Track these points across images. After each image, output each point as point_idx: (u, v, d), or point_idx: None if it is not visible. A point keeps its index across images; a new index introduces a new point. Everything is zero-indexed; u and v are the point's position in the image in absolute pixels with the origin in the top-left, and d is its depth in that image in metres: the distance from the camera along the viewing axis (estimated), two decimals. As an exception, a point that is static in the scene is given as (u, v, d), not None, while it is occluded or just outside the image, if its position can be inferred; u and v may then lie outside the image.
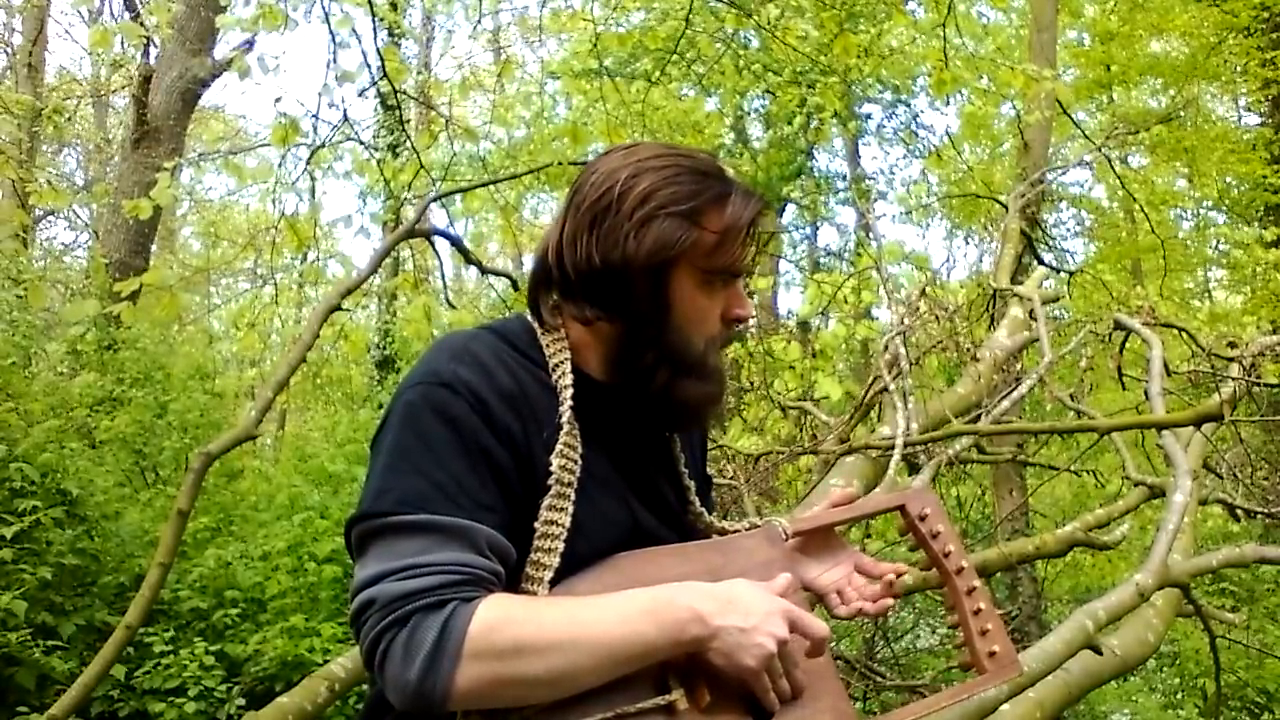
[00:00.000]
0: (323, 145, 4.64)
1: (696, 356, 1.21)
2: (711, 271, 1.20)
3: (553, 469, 1.13)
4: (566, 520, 1.13)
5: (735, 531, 1.31)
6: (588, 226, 1.19)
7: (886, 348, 4.30)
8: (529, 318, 1.25)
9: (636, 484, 1.24)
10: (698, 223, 1.17)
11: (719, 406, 1.31)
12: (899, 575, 1.30)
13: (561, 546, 1.12)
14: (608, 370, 1.22)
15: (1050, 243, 8.43)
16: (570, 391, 1.17)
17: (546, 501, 1.13)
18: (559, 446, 1.14)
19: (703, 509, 1.33)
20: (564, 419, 1.16)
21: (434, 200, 4.47)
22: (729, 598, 1.09)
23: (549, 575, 1.11)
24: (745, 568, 1.18)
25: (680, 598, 1.08)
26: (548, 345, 1.21)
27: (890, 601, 1.31)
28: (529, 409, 1.15)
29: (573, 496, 1.15)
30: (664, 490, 1.30)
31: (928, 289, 4.98)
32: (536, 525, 1.12)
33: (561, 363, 1.19)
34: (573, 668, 1.03)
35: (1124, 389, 4.94)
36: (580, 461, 1.17)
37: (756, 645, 1.07)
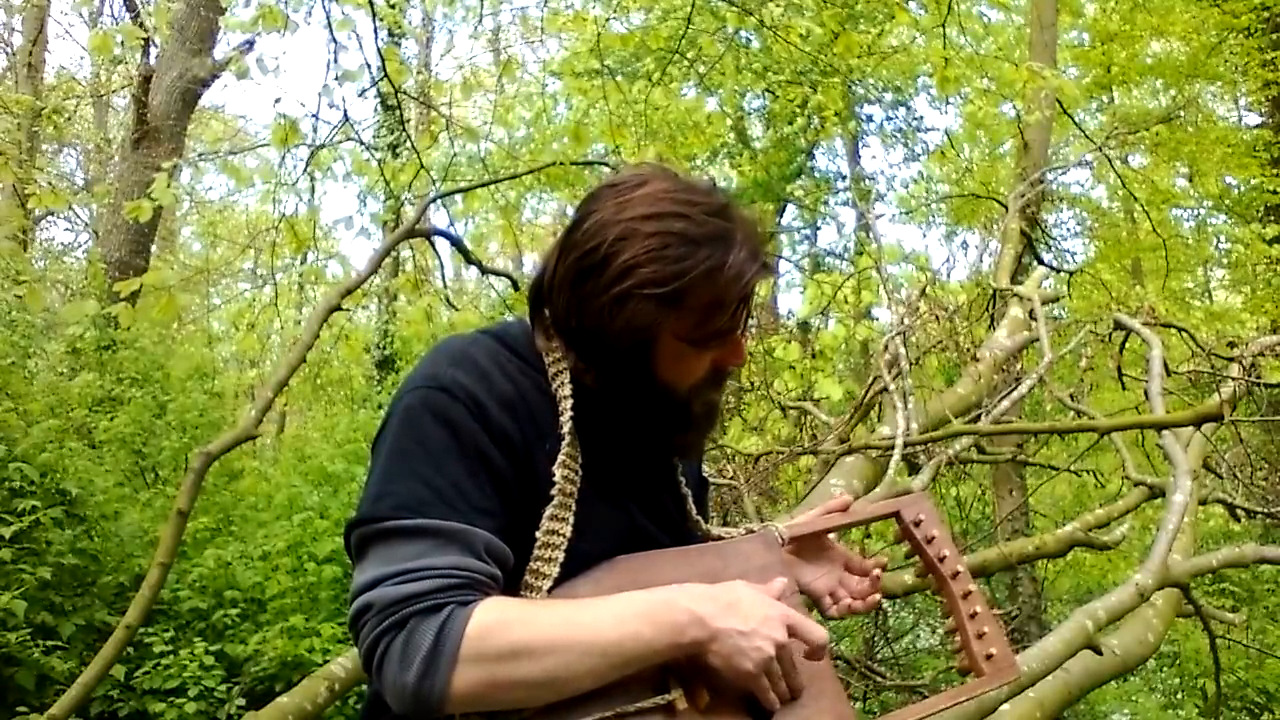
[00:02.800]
0: (323, 146, 4.65)
1: (679, 406, 1.20)
2: (696, 341, 1.16)
3: (555, 480, 1.13)
4: (568, 530, 1.14)
5: (733, 537, 1.32)
6: (570, 283, 1.15)
7: (886, 348, 4.30)
8: (529, 322, 1.25)
9: (635, 490, 1.24)
10: (678, 304, 1.11)
11: (701, 446, 1.30)
12: (882, 568, 1.33)
13: (562, 556, 1.13)
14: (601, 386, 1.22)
15: (1050, 243, 8.42)
16: (570, 402, 1.17)
17: (548, 512, 1.13)
18: (561, 458, 1.14)
19: (699, 515, 1.33)
20: (565, 430, 1.16)
21: (434, 200, 4.47)
22: (729, 601, 1.09)
23: (548, 584, 1.12)
24: (743, 572, 1.18)
25: (679, 600, 1.08)
26: (547, 354, 1.21)
27: (878, 597, 1.32)
28: (527, 414, 1.15)
29: (574, 507, 1.15)
30: (662, 496, 1.30)
31: (928, 289, 4.98)
32: (538, 535, 1.12)
33: (561, 372, 1.19)
34: (570, 670, 1.03)
35: (1124, 389, 4.94)
36: (580, 471, 1.17)
37: (755, 649, 1.07)
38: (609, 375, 1.18)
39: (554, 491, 1.13)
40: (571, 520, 1.14)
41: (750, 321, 1.22)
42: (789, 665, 1.11)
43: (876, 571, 1.33)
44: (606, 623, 1.05)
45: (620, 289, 1.11)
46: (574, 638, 1.04)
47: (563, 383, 1.18)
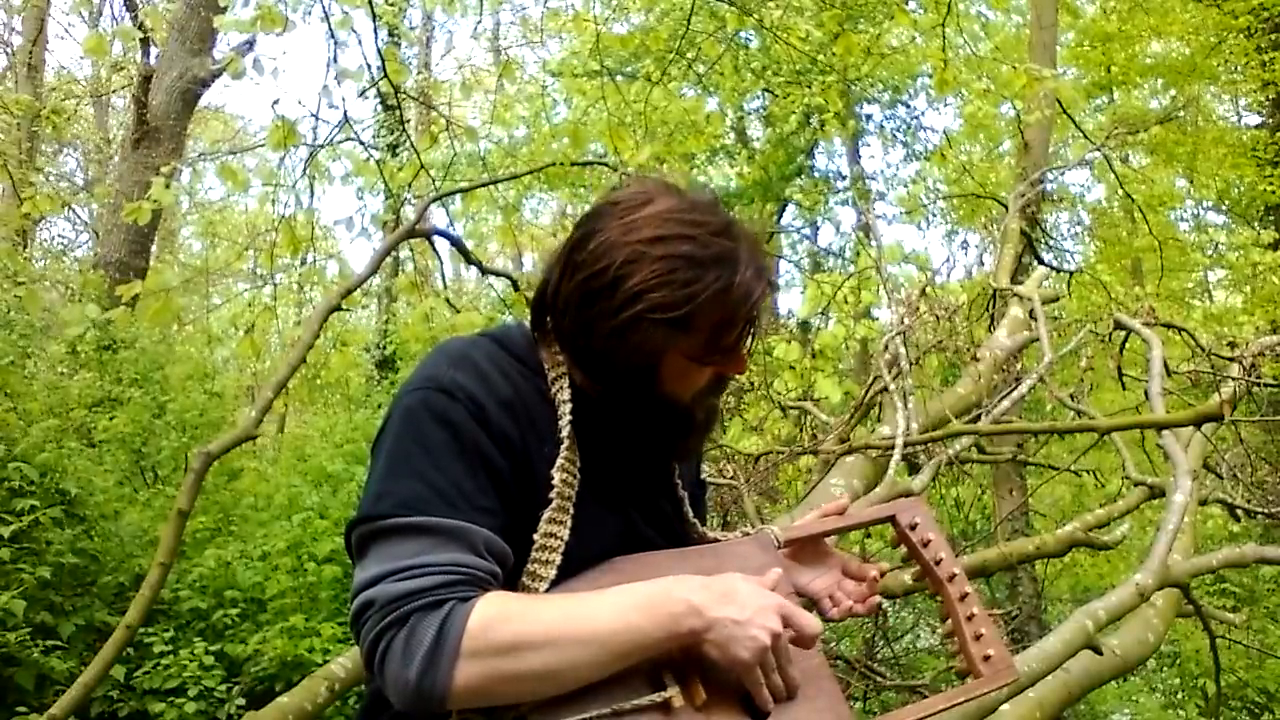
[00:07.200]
0: (323, 146, 4.64)
1: (681, 414, 1.22)
2: (703, 359, 1.18)
3: (554, 483, 1.14)
4: (565, 533, 1.15)
5: (729, 539, 1.32)
6: (578, 303, 1.16)
7: (886, 348, 4.30)
8: (529, 326, 1.25)
9: (632, 494, 1.25)
10: (687, 327, 1.13)
11: (701, 448, 1.32)
12: (882, 574, 1.33)
13: (559, 559, 1.14)
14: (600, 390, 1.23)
15: (1050, 243, 8.42)
16: (569, 406, 1.18)
17: (546, 515, 1.14)
18: (560, 461, 1.15)
19: (696, 519, 1.34)
20: (564, 434, 1.17)
21: (434, 201, 4.47)
22: (724, 590, 1.09)
23: (544, 586, 1.13)
24: (739, 572, 1.18)
25: (676, 590, 1.08)
26: (546, 359, 1.22)
27: (878, 599, 1.33)
28: (526, 416, 1.16)
29: (572, 510, 1.16)
30: (659, 500, 1.31)
31: (928, 289, 4.98)
32: (536, 537, 1.13)
33: (560, 377, 1.20)
34: (570, 663, 1.04)
35: (1124, 389, 4.94)
36: (579, 475, 1.18)
37: (751, 638, 1.08)
38: (613, 389, 1.19)
39: (552, 494, 1.14)
40: (569, 523, 1.15)
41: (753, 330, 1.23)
42: (784, 657, 1.12)
43: (875, 574, 1.33)
44: (604, 614, 1.06)
45: (630, 314, 1.12)
46: (572, 630, 1.04)
47: (562, 388, 1.20)
